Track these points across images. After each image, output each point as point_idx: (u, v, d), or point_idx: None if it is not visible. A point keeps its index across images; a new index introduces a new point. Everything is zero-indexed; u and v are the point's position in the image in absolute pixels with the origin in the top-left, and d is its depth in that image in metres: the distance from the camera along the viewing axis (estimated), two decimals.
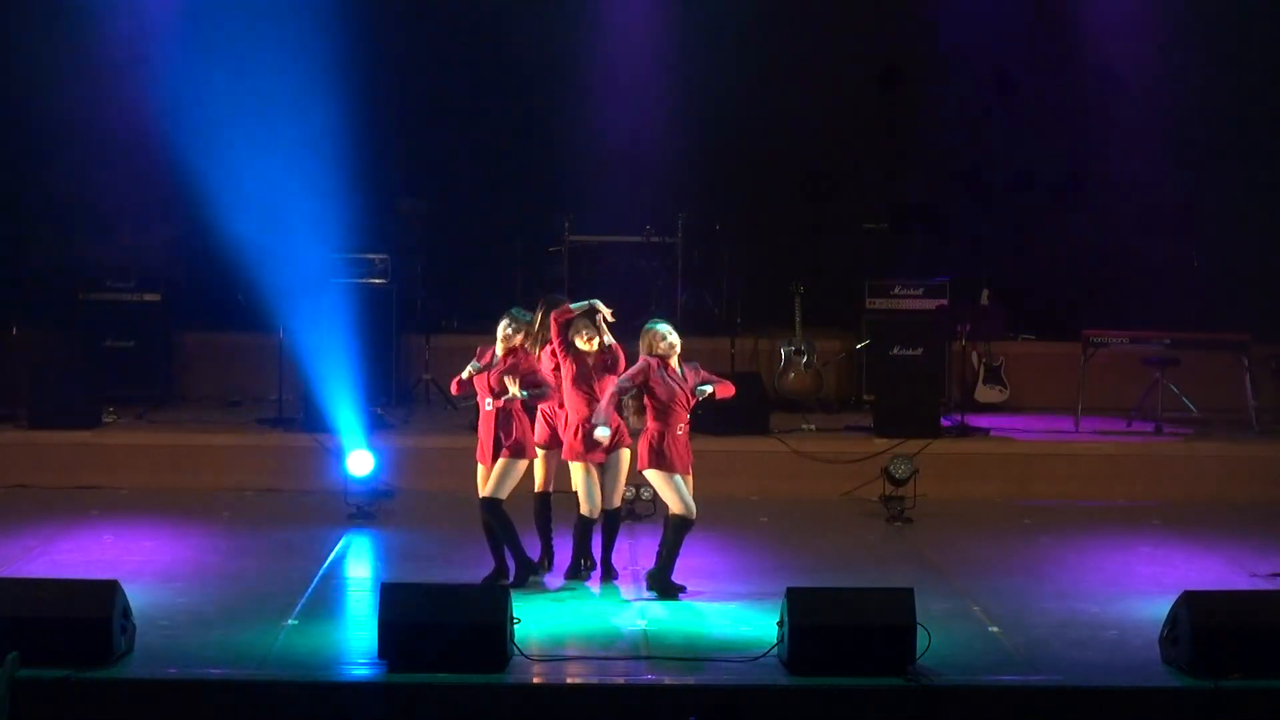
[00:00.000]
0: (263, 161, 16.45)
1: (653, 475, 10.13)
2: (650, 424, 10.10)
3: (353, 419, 12.79)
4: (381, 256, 15.22)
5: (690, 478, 10.21)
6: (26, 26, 15.86)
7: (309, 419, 13.41)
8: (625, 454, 10.34)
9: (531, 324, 10.48)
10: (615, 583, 10.43)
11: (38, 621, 8.55)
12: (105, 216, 15.51)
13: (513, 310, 10.48)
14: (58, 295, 15.26)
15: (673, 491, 10.10)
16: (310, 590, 10.27)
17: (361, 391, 13.26)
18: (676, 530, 10.14)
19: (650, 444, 10.07)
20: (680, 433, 10.11)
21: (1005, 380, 15.26)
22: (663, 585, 10.16)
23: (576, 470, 10.29)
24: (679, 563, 10.33)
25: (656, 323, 10.22)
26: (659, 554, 10.27)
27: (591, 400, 10.21)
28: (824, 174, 16.42)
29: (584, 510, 10.33)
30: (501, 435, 10.21)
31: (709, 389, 10.19)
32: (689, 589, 10.23)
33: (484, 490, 10.29)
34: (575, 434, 10.25)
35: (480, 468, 10.36)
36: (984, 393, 15.18)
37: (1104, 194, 16.45)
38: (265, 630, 9.36)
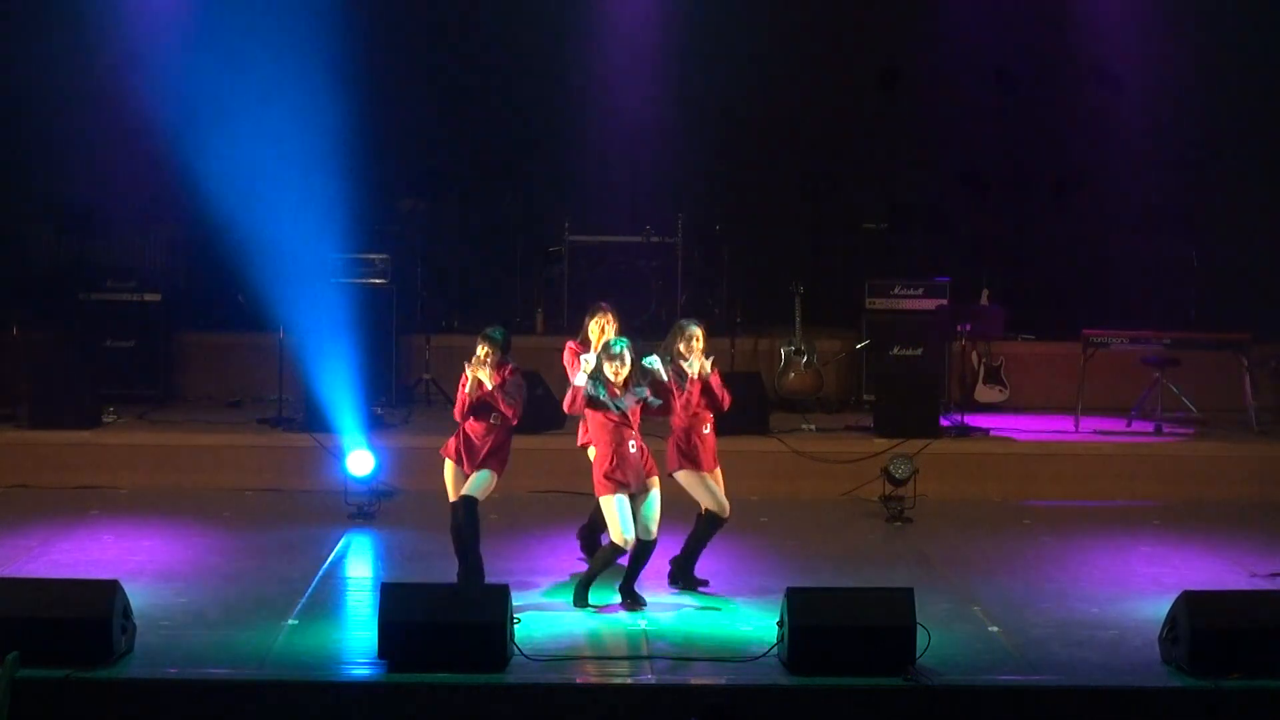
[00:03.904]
0: (263, 161, 16.48)
1: (682, 476, 10.13)
2: (675, 425, 10.09)
3: (353, 419, 12.79)
4: (381, 256, 15.23)
5: (719, 475, 10.25)
6: (27, 27, 15.87)
7: (310, 419, 13.42)
8: (656, 482, 9.93)
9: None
10: (638, 609, 9.92)
11: (38, 621, 8.54)
12: (105, 216, 15.51)
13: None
14: (58, 295, 15.26)
15: (704, 490, 10.14)
16: (310, 590, 10.27)
17: (362, 391, 13.27)
18: (709, 525, 10.23)
19: (678, 445, 10.09)
20: (706, 432, 10.13)
21: (1005, 380, 15.26)
22: (685, 576, 10.26)
23: (608, 503, 9.83)
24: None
25: (691, 323, 10.19)
26: (686, 545, 10.32)
27: (619, 429, 9.78)
28: (824, 174, 16.43)
29: (616, 539, 9.81)
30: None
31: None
32: (687, 589, 10.25)
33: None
34: (606, 466, 9.82)
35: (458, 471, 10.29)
36: (984, 393, 15.18)
37: (1104, 194, 16.45)
38: (265, 630, 9.36)
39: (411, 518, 12.38)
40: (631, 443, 9.79)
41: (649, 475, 9.88)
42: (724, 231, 16.13)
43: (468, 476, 10.17)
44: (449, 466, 10.27)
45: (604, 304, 10.74)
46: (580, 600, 9.90)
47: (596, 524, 10.68)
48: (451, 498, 10.27)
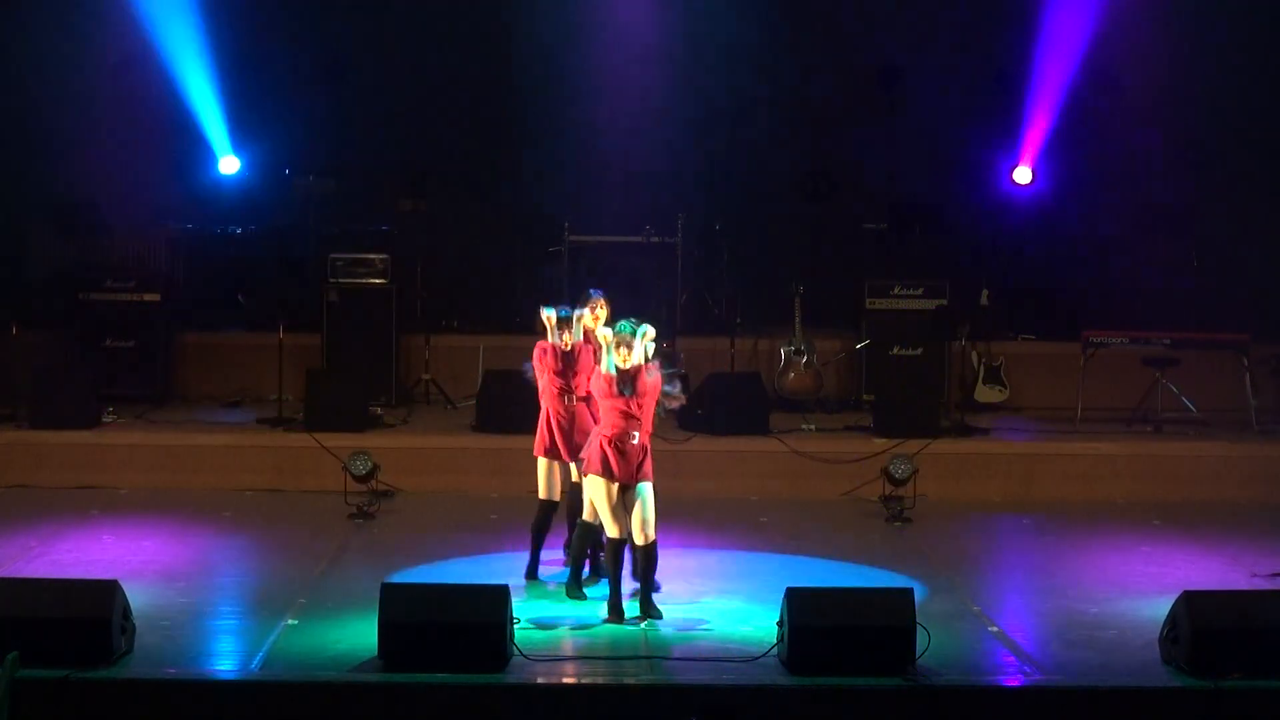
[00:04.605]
0: (263, 161, 16.49)
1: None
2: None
3: None
4: (381, 256, 15.22)
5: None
6: (27, 26, 15.87)
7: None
8: (649, 485, 9.70)
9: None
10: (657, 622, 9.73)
11: (38, 621, 8.54)
12: (105, 216, 15.52)
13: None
14: (58, 295, 15.26)
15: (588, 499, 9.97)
16: (310, 590, 10.26)
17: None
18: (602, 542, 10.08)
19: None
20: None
21: (1005, 380, 15.26)
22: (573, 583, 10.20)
23: (595, 487, 9.70)
24: (681, 562, 10.36)
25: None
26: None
27: (626, 419, 9.60)
28: (824, 174, 16.42)
29: (610, 532, 9.68)
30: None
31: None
32: (688, 589, 10.23)
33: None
34: (606, 448, 9.65)
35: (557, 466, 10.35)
36: (984, 393, 15.19)
37: (1104, 194, 16.44)
38: (265, 630, 9.36)
39: (411, 518, 12.39)
40: (635, 435, 9.68)
41: (644, 475, 9.68)
42: (724, 231, 16.13)
43: (567, 464, 10.21)
44: (543, 464, 10.31)
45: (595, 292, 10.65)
46: (615, 614, 9.66)
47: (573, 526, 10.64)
48: (541, 496, 10.33)
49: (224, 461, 13.44)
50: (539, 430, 10.37)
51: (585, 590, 10.09)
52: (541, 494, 10.40)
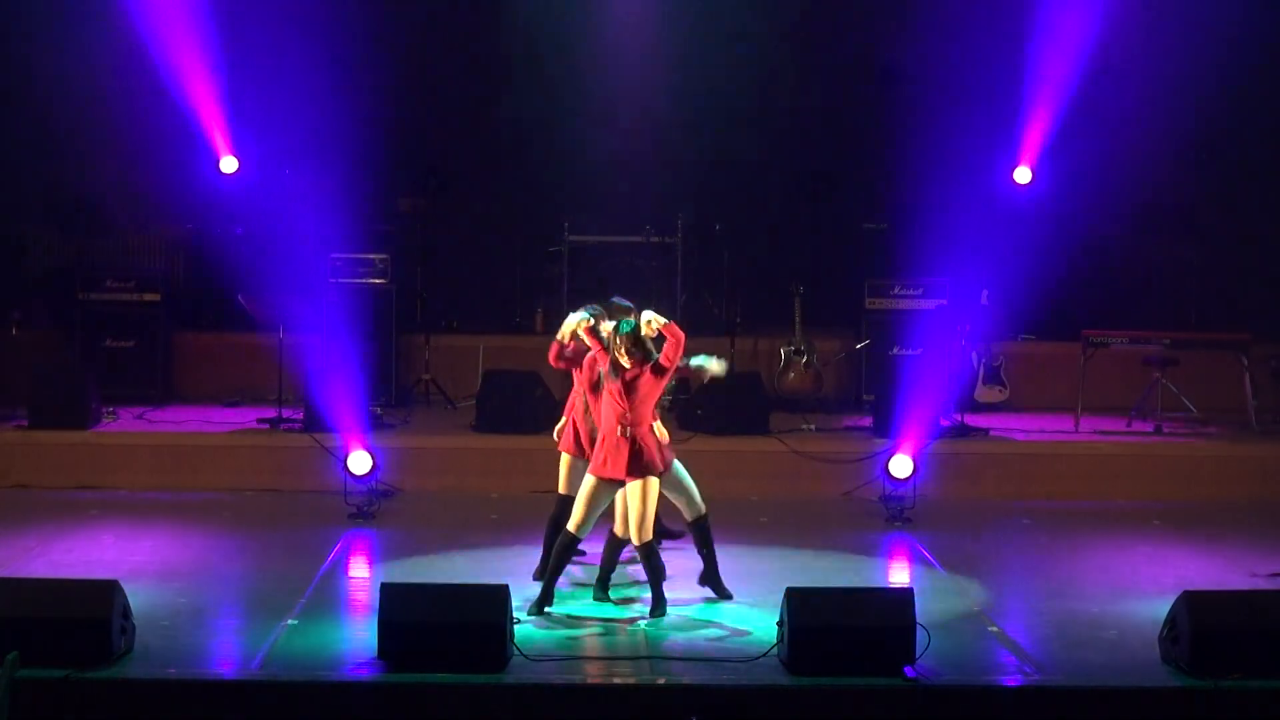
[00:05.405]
0: (263, 161, 16.49)
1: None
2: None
3: (353, 418, 12.82)
4: (381, 256, 15.23)
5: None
6: (27, 26, 15.87)
7: (309, 419, 13.43)
8: (655, 482, 9.66)
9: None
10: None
11: (38, 621, 8.54)
12: (105, 216, 15.52)
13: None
14: (58, 295, 15.26)
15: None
16: (310, 590, 10.26)
17: (362, 391, 13.28)
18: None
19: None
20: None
21: (1005, 380, 15.27)
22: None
23: (586, 482, 9.73)
24: (681, 563, 10.38)
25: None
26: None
27: (623, 412, 9.56)
28: (824, 174, 16.42)
29: (617, 530, 9.78)
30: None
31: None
32: (688, 589, 10.23)
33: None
34: (616, 448, 9.60)
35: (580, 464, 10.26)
36: (984, 393, 15.19)
37: (1104, 194, 16.45)
38: (265, 630, 9.36)
39: (411, 518, 12.39)
40: (626, 429, 9.59)
41: (646, 470, 9.62)
42: (724, 231, 16.13)
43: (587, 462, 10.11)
44: (566, 460, 10.32)
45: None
46: (600, 595, 9.89)
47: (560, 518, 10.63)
48: (562, 491, 10.30)
49: (224, 461, 13.44)
50: (566, 426, 10.36)
51: (610, 594, 10.04)
52: (561, 489, 10.39)
